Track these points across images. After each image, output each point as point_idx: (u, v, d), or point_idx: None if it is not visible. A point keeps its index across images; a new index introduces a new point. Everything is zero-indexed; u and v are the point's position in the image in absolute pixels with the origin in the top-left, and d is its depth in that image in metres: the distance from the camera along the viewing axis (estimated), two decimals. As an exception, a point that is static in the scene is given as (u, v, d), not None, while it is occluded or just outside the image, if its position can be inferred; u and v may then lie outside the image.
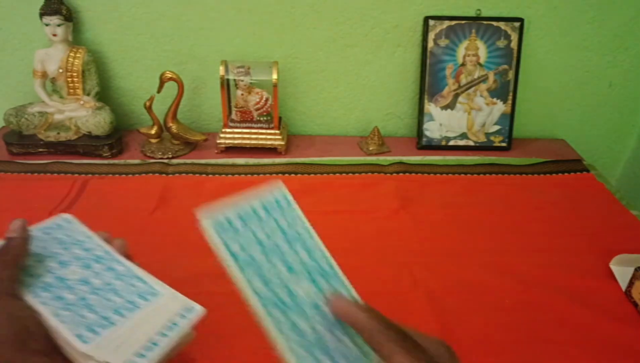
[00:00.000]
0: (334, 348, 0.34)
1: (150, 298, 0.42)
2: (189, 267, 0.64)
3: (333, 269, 0.38)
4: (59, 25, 0.87)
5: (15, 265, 0.40)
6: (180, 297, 0.43)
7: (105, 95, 0.98)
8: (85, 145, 0.90)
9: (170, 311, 0.41)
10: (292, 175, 0.86)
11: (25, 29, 0.93)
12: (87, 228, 0.46)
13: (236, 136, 0.93)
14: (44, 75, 0.91)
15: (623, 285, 0.62)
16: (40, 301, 0.38)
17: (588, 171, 0.90)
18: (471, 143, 0.97)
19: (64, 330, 0.37)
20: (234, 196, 0.36)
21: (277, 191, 0.39)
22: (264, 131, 0.93)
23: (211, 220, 0.34)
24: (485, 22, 0.93)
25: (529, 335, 0.56)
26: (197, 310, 0.42)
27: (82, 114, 0.90)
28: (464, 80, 0.95)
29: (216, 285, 0.62)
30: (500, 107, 0.96)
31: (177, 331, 0.40)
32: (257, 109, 0.93)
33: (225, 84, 0.90)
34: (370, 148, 0.96)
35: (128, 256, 0.46)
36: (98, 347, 0.36)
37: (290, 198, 0.40)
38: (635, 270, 0.60)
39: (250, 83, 0.90)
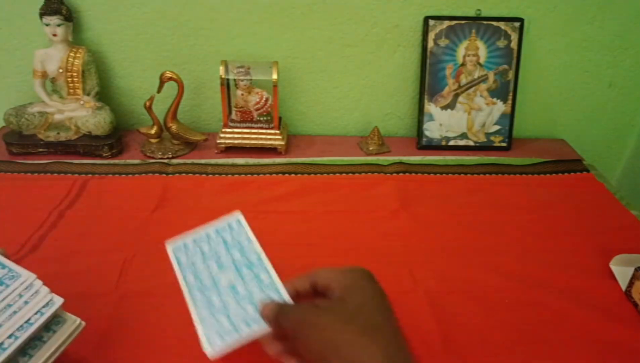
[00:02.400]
0: (233, 312, 0.45)
1: (9, 282, 0.44)
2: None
3: (262, 263, 0.49)
4: (59, 25, 0.87)
5: None
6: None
7: (105, 95, 0.98)
8: (85, 145, 0.90)
9: None
10: (292, 175, 0.86)
11: (25, 29, 0.93)
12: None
13: (236, 136, 0.93)
14: (44, 75, 0.91)
15: (623, 285, 0.62)
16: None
17: (588, 171, 0.90)
18: (471, 143, 0.97)
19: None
20: (198, 226, 0.51)
21: (232, 218, 0.52)
22: (264, 131, 0.93)
23: (173, 245, 0.50)
24: (485, 22, 0.93)
25: (529, 335, 0.56)
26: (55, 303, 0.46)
27: (82, 114, 0.90)
28: (464, 80, 0.95)
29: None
30: (500, 107, 0.96)
31: None
32: (257, 109, 0.93)
33: (225, 84, 0.90)
34: (370, 148, 0.96)
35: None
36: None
37: (243, 221, 0.52)
38: (635, 270, 0.60)
39: (250, 83, 0.91)
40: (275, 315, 0.43)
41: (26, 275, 0.45)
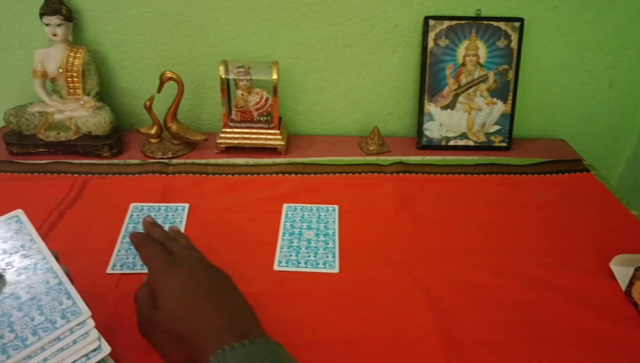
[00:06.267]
0: (17, 321, 0.42)
1: (71, 317, 0.43)
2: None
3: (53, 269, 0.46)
4: (59, 25, 0.87)
5: None
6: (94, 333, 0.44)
7: (105, 95, 0.98)
8: (85, 145, 0.90)
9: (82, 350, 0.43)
10: (292, 175, 0.86)
11: (25, 29, 0.93)
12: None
13: (236, 136, 0.93)
14: (44, 75, 0.91)
15: (623, 285, 0.62)
16: None
17: (588, 171, 0.90)
18: (471, 143, 0.97)
19: None
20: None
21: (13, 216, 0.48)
22: (264, 131, 0.93)
23: None
24: (485, 22, 0.93)
25: (529, 335, 0.56)
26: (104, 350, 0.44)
27: (82, 114, 0.90)
28: (464, 80, 0.95)
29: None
30: (500, 107, 0.96)
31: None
32: (257, 109, 0.93)
33: (225, 84, 0.90)
34: (370, 148, 0.96)
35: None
36: None
37: (24, 219, 0.48)
38: (635, 270, 0.60)
39: (250, 83, 0.91)
40: (137, 244, 0.55)
41: (84, 312, 0.44)
